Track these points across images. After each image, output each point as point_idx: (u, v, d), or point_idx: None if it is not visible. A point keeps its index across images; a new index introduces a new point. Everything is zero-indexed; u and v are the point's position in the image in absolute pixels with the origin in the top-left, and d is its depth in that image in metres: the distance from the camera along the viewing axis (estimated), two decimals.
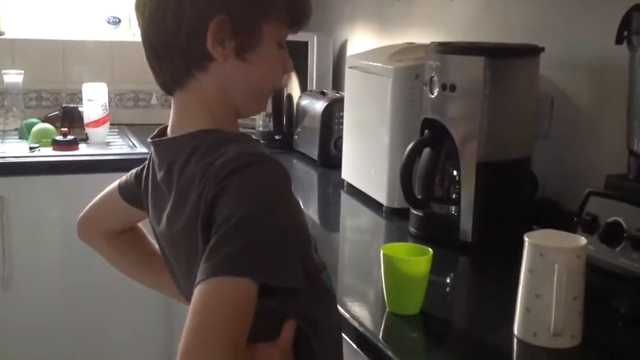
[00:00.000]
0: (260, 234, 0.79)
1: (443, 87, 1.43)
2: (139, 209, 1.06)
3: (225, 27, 0.87)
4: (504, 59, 1.42)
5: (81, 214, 1.16)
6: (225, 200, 0.80)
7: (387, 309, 1.14)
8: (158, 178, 0.95)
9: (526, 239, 1.00)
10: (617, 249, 1.11)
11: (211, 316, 0.74)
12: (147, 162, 1.02)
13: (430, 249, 1.14)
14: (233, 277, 0.76)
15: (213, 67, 0.89)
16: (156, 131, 0.97)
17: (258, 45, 0.89)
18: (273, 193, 0.83)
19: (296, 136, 2.39)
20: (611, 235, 1.12)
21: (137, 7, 0.91)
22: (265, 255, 0.79)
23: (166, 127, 0.96)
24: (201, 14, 0.86)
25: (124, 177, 1.10)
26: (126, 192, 1.08)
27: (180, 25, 0.87)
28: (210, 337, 0.73)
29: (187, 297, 0.98)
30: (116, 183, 1.11)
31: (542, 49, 1.44)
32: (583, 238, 1.01)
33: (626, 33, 1.15)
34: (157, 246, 1.06)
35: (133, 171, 1.08)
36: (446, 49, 1.47)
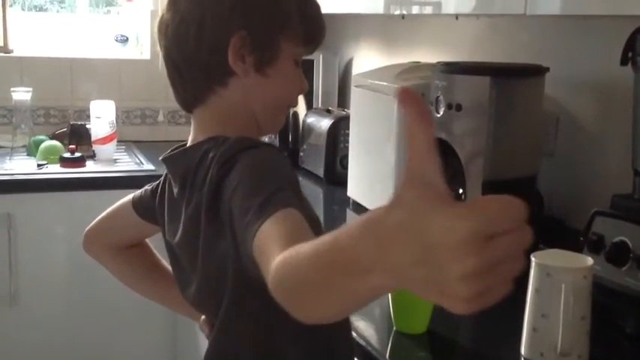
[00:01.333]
0: (278, 177, 0.81)
1: (449, 106, 1.45)
2: (152, 224, 1.08)
3: (245, 42, 0.90)
4: (510, 79, 1.43)
5: (88, 227, 1.17)
6: (230, 179, 0.83)
7: (394, 328, 1.15)
8: (174, 193, 0.97)
9: (532, 259, 1.01)
10: (623, 269, 1.11)
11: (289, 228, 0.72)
12: (162, 179, 1.04)
13: None
14: (277, 212, 0.74)
15: (234, 82, 0.92)
16: (169, 150, 0.99)
17: (277, 60, 0.93)
18: (276, 166, 0.86)
19: (302, 154, 2.40)
20: (617, 254, 1.12)
21: (160, 29, 0.95)
22: (292, 190, 0.81)
23: (180, 145, 0.98)
24: (222, 30, 0.90)
25: (138, 192, 1.12)
26: (140, 207, 1.10)
27: (202, 41, 0.90)
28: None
29: (197, 305, 0.99)
30: (129, 197, 1.13)
31: (547, 69, 1.45)
32: (589, 258, 1.02)
33: (630, 54, 1.16)
34: (163, 261, 1.08)
35: (148, 187, 1.10)
36: (451, 68, 1.48)
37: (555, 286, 0.97)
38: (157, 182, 1.07)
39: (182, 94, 0.96)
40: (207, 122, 0.95)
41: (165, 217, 1.01)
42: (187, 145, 0.97)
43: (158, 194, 1.04)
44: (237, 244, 0.80)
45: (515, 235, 0.45)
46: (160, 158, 0.99)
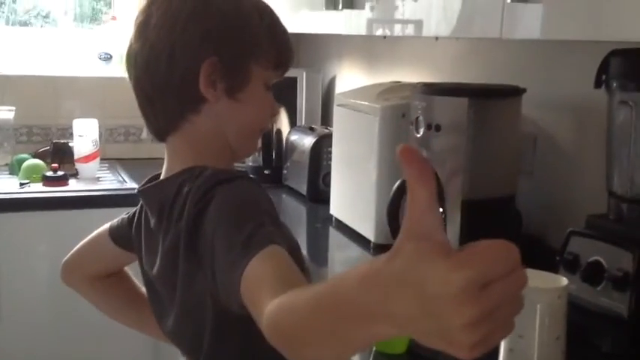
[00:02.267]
0: (257, 213, 0.82)
1: (428, 126, 1.47)
2: (130, 252, 1.08)
3: (216, 68, 0.91)
4: (487, 100, 1.46)
5: (65, 259, 1.17)
6: (208, 216, 0.83)
7: (374, 348, 1.16)
8: (151, 225, 0.97)
9: None
10: (598, 288, 1.13)
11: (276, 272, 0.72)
12: (138, 208, 1.04)
13: None
14: (262, 250, 0.75)
15: (206, 109, 0.93)
16: (146, 179, 0.99)
17: (248, 85, 0.93)
18: (253, 199, 0.86)
19: (285, 171, 2.41)
20: (592, 274, 1.14)
21: (128, 59, 0.95)
22: (273, 224, 0.81)
23: (157, 175, 0.98)
24: (193, 58, 0.90)
25: (115, 221, 1.12)
26: (117, 236, 1.10)
27: (173, 69, 0.90)
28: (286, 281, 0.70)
29: (173, 337, 0.99)
30: (106, 226, 1.13)
31: (524, 90, 1.48)
32: (564, 278, 1.03)
33: (604, 77, 1.19)
34: (142, 289, 1.08)
35: (124, 216, 1.10)
36: (431, 90, 1.50)
37: (531, 307, 0.98)
38: (134, 211, 1.06)
39: (154, 123, 0.95)
40: (181, 150, 0.95)
41: (143, 248, 1.01)
42: (162, 174, 0.97)
43: (134, 224, 1.04)
44: (217, 282, 0.80)
45: (510, 279, 0.47)
46: (136, 191, 0.99)
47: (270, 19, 0.96)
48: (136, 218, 1.04)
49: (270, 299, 0.65)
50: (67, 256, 1.17)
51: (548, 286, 1.01)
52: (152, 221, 0.96)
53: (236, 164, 1.05)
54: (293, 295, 0.63)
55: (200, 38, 0.90)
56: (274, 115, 1.01)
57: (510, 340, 1.02)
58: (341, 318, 0.54)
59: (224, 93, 0.92)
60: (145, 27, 0.92)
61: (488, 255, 0.47)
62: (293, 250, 0.82)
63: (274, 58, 0.96)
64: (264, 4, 0.98)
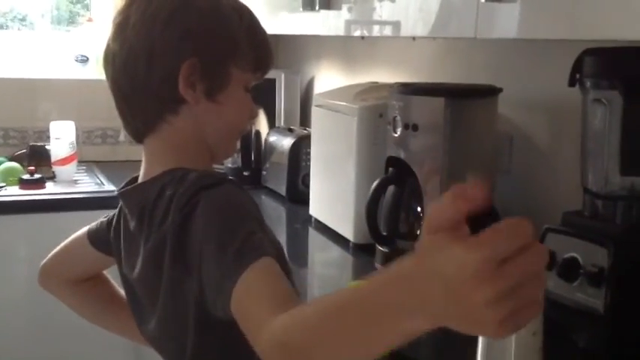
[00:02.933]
0: (245, 219, 0.82)
1: (405, 126, 1.48)
2: (109, 256, 1.07)
3: (195, 70, 0.90)
4: (464, 99, 1.47)
5: (43, 263, 1.16)
6: (195, 226, 0.83)
7: None
8: (131, 228, 0.96)
9: None
10: (574, 284, 1.15)
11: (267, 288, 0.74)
12: (117, 211, 1.04)
13: None
14: (255, 262, 0.76)
15: (185, 110, 0.92)
16: (125, 182, 0.99)
17: (227, 86, 0.93)
18: (240, 204, 0.86)
19: (264, 172, 2.41)
20: (568, 270, 1.15)
21: (106, 59, 0.94)
22: (261, 230, 0.82)
23: (135, 177, 0.98)
24: (172, 59, 0.90)
25: (93, 225, 1.11)
26: (96, 239, 1.09)
27: (152, 70, 0.90)
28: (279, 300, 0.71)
29: (154, 341, 0.99)
30: (84, 230, 1.12)
31: (501, 90, 1.49)
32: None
33: (578, 76, 1.20)
34: (121, 292, 1.07)
35: (103, 219, 1.09)
36: (408, 89, 1.51)
37: None
38: (113, 214, 1.06)
39: (132, 123, 0.95)
40: (159, 152, 0.94)
41: (122, 251, 1.01)
42: (140, 176, 0.97)
43: (113, 227, 1.03)
44: (204, 289, 0.81)
45: (528, 253, 0.49)
46: (116, 193, 0.98)
47: (250, 21, 0.96)
48: (114, 221, 1.04)
49: (268, 317, 0.67)
50: (45, 260, 1.16)
51: None
52: (132, 224, 0.95)
53: (215, 166, 1.04)
54: (300, 312, 0.64)
55: (179, 39, 0.89)
56: (253, 117, 1.01)
57: (487, 337, 1.02)
58: (370, 322, 0.55)
59: (203, 94, 0.91)
60: (123, 27, 0.91)
61: (501, 233, 0.49)
62: (279, 256, 0.83)
63: (254, 61, 0.96)
64: (244, 5, 0.98)
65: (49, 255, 1.16)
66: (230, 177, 0.92)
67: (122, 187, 0.98)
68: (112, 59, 0.93)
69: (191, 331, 0.90)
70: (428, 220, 0.52)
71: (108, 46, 0.94)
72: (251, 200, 0.89)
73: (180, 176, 0.89)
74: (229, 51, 0.93)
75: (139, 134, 0.95)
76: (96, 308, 1.19)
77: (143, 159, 0.97)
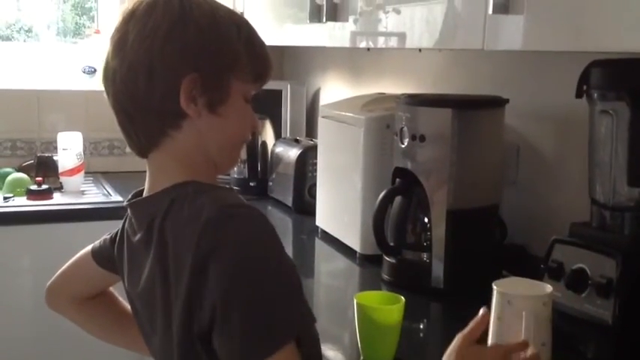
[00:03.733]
0: (273, 295, 0.83)
1: (413, 137, 1.48)
2: (114, 274, 1.07)
3: (196, 84, 0.90)
4: (471, 110, 1.48)
5: (49, 283, 1.16)
6: (219, 265, 0.83)
7: (362, 357, 1.16)
8: (134, 240, 0.96)
9: (494, 287, 1.04)
10: (583, 295, 1.15)
11: None
12: (120, 227, 1.04)
13: (402, 297, 1.16)
14: (278, 351, 0.81)
15: (187, 124, 0.92)
16: (130, 195, 0.99)
17: (228, 99, 0.93)
18: (267, 244, 0.86)
19: (270, 183, 2.42)
20: (577, 281, 1.15)
21: (106, 76, 0.94)
22: (288, 310, 0.84)
23: (141, 190, 0.98)
24: (172, 74, 0.89)
25: (97, 243, 1.11)
26: (100, 257, 1.09)
27: (153, 86, 0.90)
28: None
29: (162, 356, 0.99)
30: (88, 249, 1.12)
31: (507, 101, 1.50)
32: (549, 285, 1.04)
33: (585, 87, 1.20)
34: (128, 308, 1.07)
35: (107, 236, 1.09)
36: (415, 101, 1.52)
37: (516, 314, 0.99)
38: (116, 231, 1.06)
39: (135, 140, 0.94)
40: (166, 166, 0.94)
41: (125, 266, 1.01)
42: (146, 190, 0.97)
43: (117, 243, 1.03)
44: (218, 340, 0.84)
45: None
46: (125, 204, 0.98)
47: (248, 32, 0.96)
48: (118, 237, 1.04)
49: None
50: (50, 280, 1.16)
51: (533, 293, 1.02)
52: (138, 235, 0.95)
53: (220, 177, 1.04)
54: None
55: (179, 55, 0.89)
56: (254, 127, 1.01)
57: (492, 322, 1.02)
58: None
59: (205, 108, 0.91)
60: (122, 44, 0.91)
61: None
62: (310, 331, 0.91)
63: (253, 72, 0.96)
64: (241, 17, 0.98)
65: (55, 275, 1.16)
66: (248, 204, 0.90)
67: (130, 199, 0.98)
68: (112, 76, 0.92)
69: (176, 354, 0.91)
70: (468, 334, 0.96)
71: (107, 62, 0.93)
72: (276, 237, 0.87)
73: (193, 194, 0.89)
74: (229, 64, 0.93)
75: (142, 150, 0.95)
76: (103, 325, 1.19)
77: (148, 173, 0.97)
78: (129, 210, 0.98)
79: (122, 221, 1.03)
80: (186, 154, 0.93)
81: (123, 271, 1.02)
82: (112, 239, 1.06)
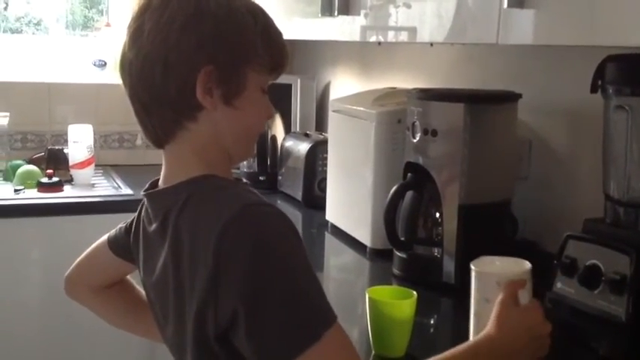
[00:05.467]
0: (305, 288, 0.84)
1: (425, 132, 1.47)
2: (130, 262, 1.08)
3: (212, 77, 0.90)
4: (483, 105, 1.47)
5: (67, 272, 1.17)
6: (242, 266, 0.82)
7: (373, 351, 1.16)
8: (150, 230, 0.96)
9: (475, 269, 1.03)
10: (596, 291, 1.14)
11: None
12: (135, 216, 1.04)
13: (414, 292, 1.16)
14: (324, 334, 0.81)
15: (203, 116, 0.92)
16: (147, 184, 0.99)
17: (244, 91, 0.92)
18: (291, 241, 0.85)
19: (280, 177, 2.42)
20: (590, 278, 1.15)
21: (122, 66, 0.93)
22: (323, 299, 0.84)
23: (157, 180, 0.98)
24: (189, 67, 0.89)
25: (113, 231, 1.11)
26: (116, 246, 1.10)
27: (168, 78, 0.89)
28: None
29: (174, 346, 0.99)
30: (104, 238, 1.12)
31: (520, 96, 1.49)
32: (524, 260, 1.04)
33: (600, 82, 1.19)
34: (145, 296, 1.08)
35: (122, 225, 1.10)
36: (427, 95, 1.51)
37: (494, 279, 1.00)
38: (131, 220, 1.06)
39: (152, 131, 0.94)
40: (180, 158, 0.94)
41: (140, 255, 1.01)
42: (161, 180, 0.97)
43: (132, 232, 1.04)
44: (248, 339, 0.83)
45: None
46: (142, 193, 0.98)
47: (265, 22, 0.95)
48: (133, 227, 1.04)
49: None
50: (69, 270, 1.17)
51: (519, 270, 1.02)
52: (153, 226, 0.95)
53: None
54: None
55: (195, 47, 0.89)
56: (270, 117, 1.01)
57: (477, 304, 1.02)
58: None
59: (221, 100, 0.91)
60: (138, 35, 0.91)
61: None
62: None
63: (270, 62, 0.95)
64: (257, 6, 0.96)
65: (73, 265, 1.17)
66: (266, 200, 0.90)
67: (147, 189, 0.98)
68: (128, 67, 0.92)
69: (189, 349, 0.91)
70: (506, 299, 0.98)
71: (124, 54, 0.93)
72: (290, 225, 0.87)
73: (212, 190, 0.89)
74: (245, 56, 0.92)
75: (159, 141, 0.95)
76: (121, 313, 1.20)
77: (164, 164, 0.97)
78: (145, 199, 0.98)
79: (137, 210, 1.03)
80: (202, 145, 0.93)
81: (138, 259, 1.02)
82: (128, 228, 1.07)
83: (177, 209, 0.90)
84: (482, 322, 1.00)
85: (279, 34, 0.97)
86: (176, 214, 0.91)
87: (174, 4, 0.90)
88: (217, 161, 0.94)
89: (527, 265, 1.03)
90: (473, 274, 1.03)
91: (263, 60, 0.94)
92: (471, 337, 1.03)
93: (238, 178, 1.00)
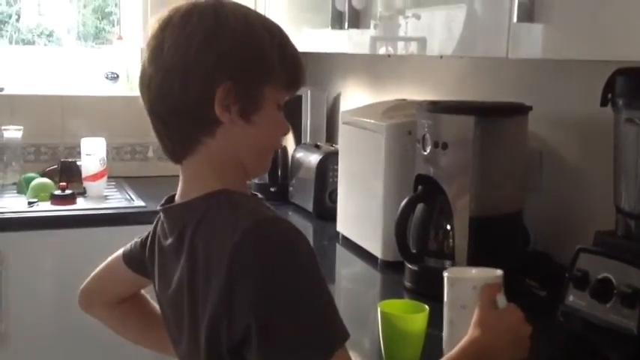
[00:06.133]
0: (319, 304, 0.85)
1: (435, 144, 1.48)
2: (145, 277, 1.09)
3: (230, 93, 0.91)
4: (494, 118, 1.47)
5: (82, 286, 1.18)
6: (255, 281, 0.83)
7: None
8: (165, 244, 0.97)
9: (449, 276, 1.04)
10: (608, 305, 1.14)
11: None
12: (151, 230, 1.05)
13: (426, 306, 1.16)
14: (335, 353, 0.82)
15: (221, 131, 0.93)
16: (164, 199, 1.00)
17: (262, 107, 0.94)
18: (306, 257, 0.86)
19: (291, 188, 2.43)
20: (602, 291, 1.14)
21: (142, 82, 0.95)
22: (336, 317, 0.85)
23: (173, 195, 0.99)
24: (207, 83, 0.90)
25: (128, 246, 1.12)
26: (131, 260, 1.11)
27: (187, 94, 0.91)
28: None
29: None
30: (120, 252, 1.13)
31: (530, 108, 1.49)
32: (494, 269, 1.05)
33: (610, 95, 1.20)
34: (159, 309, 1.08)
35: (137, 239, 1.10)
36: (437, 107, 1.52)
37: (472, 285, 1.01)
38: (147, 234, 1.07)
39: (169, 146, 0.96)
40: (198, 173, 0.95)
41: (156, 270, 1.02)
42: (178, 195, 0.98)
43: (148, 247, 1.05)
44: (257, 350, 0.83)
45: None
46: (159, 208, 0.99)
47: (281, 39, 0.96)
48: (149, 241, 1.05)
49: None
50: (83, 283, 1.18)
51: (492, 275, 1.03)
52: (169, 240, 0.96)
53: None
54: None
55: (214, 64, 0.90)
56: (285, 134, 1.02)
57: (452, 312, 1.03)
58: None
59: (238, 115, 0.92)
60: (158, 51, 0.92)
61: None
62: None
63: (286, 79, 0.96)
64: (273, 23, 0.98)
65: (88, 278, 1.18)
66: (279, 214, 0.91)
67: (163, 204, 0.99)
68: (147, 83, 0.94)
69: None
70: (484, 304, 0.99)
71: (144, 69, 0.95)
72: (304, 240, 0.88)
73: (228, 204, 0.90)
74: (263, 72, 0.94)
75: (176, 156, 0.97)
76: (135, 328, 1.20)
77: (181, 179, 0.98)
78: (162, 214, 0.99)
79: (153, 225, 1.04)
80: (219, 160, 0.94)
81: (154, 274, 1.03)
82: (143, 243, 1.08)
83: (194, 224, 0.91)
84: (456, 330, 1.01)
85: (296, 51, 0.98)
86: (192, 228, 0.91)
87: (194, 21, 0.91)
88: (233, 176, 0.95)
89: (499, 271, 1.04)
90: (447, 282, 1.04)
91: (280, 77, 0.95)
92: (445, 346, 1.04)
93: (254, 193, 1.01)
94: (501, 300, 0.99)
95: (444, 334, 1.04)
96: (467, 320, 0.99)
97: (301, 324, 0.82)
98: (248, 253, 0.84)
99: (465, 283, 1.02)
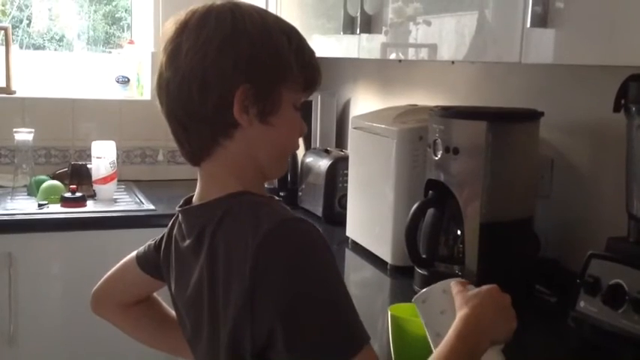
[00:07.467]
0: (342, 303, 0.85)
1: (446, 149, 1.48)
2: (158, 280, 1.09)
3: (249, 95, 0.91)
4: (506, 123, 1.47)
5: (95, 288, 1.18)
6: (280, 279, 0.84)
7: None
8: (183, 246, 0.97)
9: (415, 298, 1.04)
10: (620, 311, 1.14)
11: None
12: (165, 233, 1.05)
13: None
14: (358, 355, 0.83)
15: (239, 133, 0.93)
16: (182, 201, 1.00)
17: (279, 109, 0.94)
18: (326, 257, 0.87)
19: (300, 193, 2.43)
20: (614, 297, 1.14)
21: (159, 85, 0.95)
22: (357, 316, 0.86)
23: (191, 197, 0.99)
24: (226, 85, 0.91)
25: (141, 248, 1.12)
26: (145, 263, 1.11)
27: (206, 96, 0.91)
28: None
29: None
30: (133, 255, 1.13)
31: (542, 114, 1.49)
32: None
33: (623, 101, 1.19)
34: (172, 312, 1.08)
35: (151, 242, 1.11)
36: (449, 113, 1.52)
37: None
38: (161, 236, 1.07)
39: (188, 149, 0.96)
40: (216, 175, 0.96)
41: (172, 272, 1.02)
42: (196, 196, 0.98)
43: (162, 249, 1.05)
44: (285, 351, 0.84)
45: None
46: (178, 209, 0.99)
47: (298, 41, 0.97)
48: (164, 244, 1.05)
49: None
50: (95, 286, 1.18)
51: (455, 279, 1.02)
52: (186, 242, 0.97)
53: None
54: None
55: (232, 67, 0.91)
56: (302, 135, 1.02)
57: (433, 321, 1.02)
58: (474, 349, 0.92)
59: (256, 118, 0.93)
60: (175, 55, 0.93)
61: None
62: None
63: (303, 81, 0.97)
64: (290, 26, 0.98)
65: (100, 281, 1.18)
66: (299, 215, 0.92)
67: (182, 206, 1.00)
68: (165, 86, 0.94)
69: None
70: (460, 287, 1.00)
71: (161, 73, 0.95)
72: (325, 242, 0.88)
73: (248, 206, 0.91)
74: (280, 75, 0.94)
75: (195, 158, 0.97)
76: (148, 330, 1.20)
77: (199, 181, 0.99)
78: (180, 216, 0.99)
79: (168, 227, 1.05)
80: (237, 163, 0.95)
81: (170, 276, 1.03)
82: (157, 245, 1.08)
83: (214, 225, 0.92)
84: (442, 338, 0.99)
85: (312, 53, 0.99)
86: (212, 229, 0.92)
87: (212, 24, 0.92)
88: (251, 178, 0.96)
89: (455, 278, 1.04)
90: (418, 303, 1.03)
91: (297, 78, 0.95)
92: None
93: (271, 195, 1.01)
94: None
95: (432, 347, 1.03)
96: (450, 322, 0.98)
97: (326, 325, 0.83)
98: (271, 253, 0.84)
99: (434, 291, 1.02)
